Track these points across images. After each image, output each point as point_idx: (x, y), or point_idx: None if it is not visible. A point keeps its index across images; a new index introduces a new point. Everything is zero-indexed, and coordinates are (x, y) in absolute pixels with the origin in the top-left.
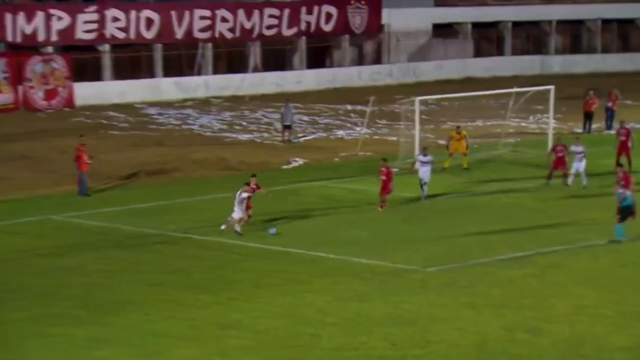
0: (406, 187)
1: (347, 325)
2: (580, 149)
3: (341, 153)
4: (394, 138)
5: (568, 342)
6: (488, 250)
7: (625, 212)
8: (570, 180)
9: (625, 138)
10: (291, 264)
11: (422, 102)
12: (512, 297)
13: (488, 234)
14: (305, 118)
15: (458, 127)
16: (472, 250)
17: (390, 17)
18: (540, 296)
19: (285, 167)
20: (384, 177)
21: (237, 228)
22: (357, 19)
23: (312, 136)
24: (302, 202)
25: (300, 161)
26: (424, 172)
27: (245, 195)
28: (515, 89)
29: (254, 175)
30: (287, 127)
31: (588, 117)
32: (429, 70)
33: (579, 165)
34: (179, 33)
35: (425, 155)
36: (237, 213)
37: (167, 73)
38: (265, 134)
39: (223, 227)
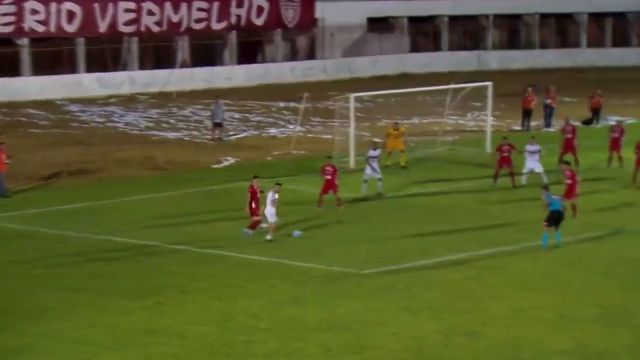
0: (342, 187)
1: (281, 331)
2: (535, 148)
3: (274, 152)
4: (329, 136)
5: (506, 346)
6: (426, 253)
7: (554, 217)
8: (524, 179)
9: (572, 136)
10: (223, 268)
11: (357, 99)
12: (449, 301)
13: (426, 236)
14: (237, 116)
15: (396, 123)
16: (410, 253)
17: (325, 11)
18: (478, 299)
19: (216, 166)
20: (329, 177)
21: (269, 236)
22: (290, 13)
23: (244, 134)
24: (234, 203)
25: (231, 160)
26: (375, 168)
27: (277, 196)
28: (452, 86)
29: (256, 177)
30: (217, 125)
31: (527, 114)
32: (364, 66)
33: (535, 166)
34: (103, 27)
35: (375, 149)
36: (273, 217)
37: (90, 68)
38: (195, 132)
39: (269, 237)
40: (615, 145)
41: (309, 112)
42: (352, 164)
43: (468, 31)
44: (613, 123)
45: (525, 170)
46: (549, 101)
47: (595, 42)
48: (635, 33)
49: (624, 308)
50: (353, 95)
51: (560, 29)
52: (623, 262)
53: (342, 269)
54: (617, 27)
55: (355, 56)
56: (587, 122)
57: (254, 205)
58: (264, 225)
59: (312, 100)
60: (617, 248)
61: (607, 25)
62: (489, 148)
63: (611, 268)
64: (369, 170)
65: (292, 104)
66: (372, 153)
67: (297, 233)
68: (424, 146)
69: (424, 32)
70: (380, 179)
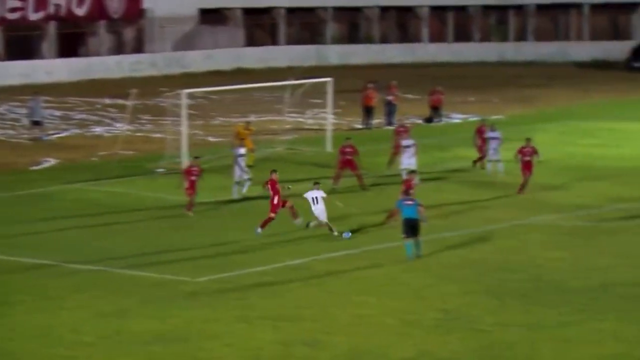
0: (174, 189)
1: (106, 345)
2: (410, 142)
3: (99, 152)
4: (160, 135)
5: (348, 354)
6: (264, 258)
7: (409, 226)
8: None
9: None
10: (43, 278)
11: (189, 96)
12: (289, 308)
13: (264, 240)
14: (57, 113)
15: (248, 122)
16: (247, 258)
17: (153, 1)
18: (319, 306)
19: (34, 168)
20: (194, 177)
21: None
22: (115, 3)
23: (66, 133)
24: (55, 208)
25: (52, 161)
26: (243, 167)
27: (324, 194)
28: (290, 81)
29: (274, 171)
30: (36, 123)
31: (368, 111)
32: (196, 61)
33: (410, 162)
34: None
35: (242, 147)
36: (324, 213)
37: None
38: (11, 131)
39: (336, 232)
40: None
41: (138, 110)
42: (184, 164)
43: (306, 24)
44: (457, 120)
45: (402, 166)
46: (390, 98)
47: (437, 37)
48: (477, 27)
49: (466, 312)
50: (185, 92)
51: (401, 23)
52: (464, 264)
53: (175, 277)
54: (459, 21)
55: (187, 49)
56: (428, 120)
57: (275, 202)
58: (313, 223)
59: (141, 96)
60: (458, 250)
61: (448, 19)
62: (329, 147)
63: (452, 271)
64: (238, 171)
65: (119, 101)
66: (240, 151)
67: (347, 234)
68: (262, 145)
69: (260, 25)
70: (249, 179)
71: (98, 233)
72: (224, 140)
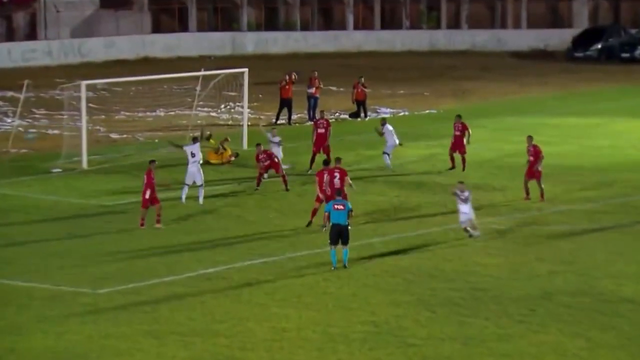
0: (70, 191)
1: None
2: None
3: None
4: (56, 131)
5: None
6: (174, 267)
7: (335, 232)
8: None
9: (324, 130)
10: None
11: (89, 87)
12: (202, 322)
13: (174, 247)
14: None
15: (226, 139)
16: (155, 267)
17: None
18: (235, 319)
19: None
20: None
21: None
22: None
23: None
24: None
25: None
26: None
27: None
28: (202, 72)
29: (338, 159)
30: None
31: (286, 105)
32: (97, 49)
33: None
34: None
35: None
36: (471, 212)
37: None
38: None
39: (476, 233)
40: (458, 145)
41: (31, 103)
42: (84, 163)
43: (219, 9)
44: (385, 115)
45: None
46: (312, 90)
47: (363, 24)
48: (406, 14)
49: (396, 324)
50: (84, 83)
51: (324, 8)
52: (393, 272)
53: (73, 289)
54: (386, 7)
55: (86, 37)
56: (354, 115)
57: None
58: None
59: (35, 88)
60: (386, 257)
61: (375, 4)
62: (245, 144)
63: (380, 279)
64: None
65: (10, 93)
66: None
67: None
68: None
69: (167, 9)
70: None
71: None
72: (127, 137)
